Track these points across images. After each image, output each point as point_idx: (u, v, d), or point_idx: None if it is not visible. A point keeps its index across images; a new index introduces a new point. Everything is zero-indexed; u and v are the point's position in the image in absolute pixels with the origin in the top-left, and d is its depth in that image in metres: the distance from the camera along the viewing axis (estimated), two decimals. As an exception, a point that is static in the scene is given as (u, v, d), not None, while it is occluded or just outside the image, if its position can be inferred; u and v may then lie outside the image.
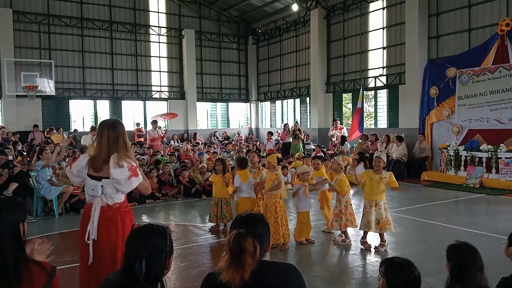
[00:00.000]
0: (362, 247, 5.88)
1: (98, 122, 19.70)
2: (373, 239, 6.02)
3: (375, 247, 5.80)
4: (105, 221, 3.15)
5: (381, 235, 5.86)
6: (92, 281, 3.11)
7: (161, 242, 1.91)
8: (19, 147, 12.29)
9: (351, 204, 6.27)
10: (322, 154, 13.29)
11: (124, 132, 3.29)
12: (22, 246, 2.13)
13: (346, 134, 15.88)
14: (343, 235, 6.20)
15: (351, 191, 6.75)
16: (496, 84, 11.53)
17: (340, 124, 16.54)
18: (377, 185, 5.79)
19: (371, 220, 5.74)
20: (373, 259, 5.43)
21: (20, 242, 2.12)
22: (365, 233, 5.94)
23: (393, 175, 5.94)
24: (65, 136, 15.28)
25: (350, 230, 6.35)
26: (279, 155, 6.44)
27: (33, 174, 8.47)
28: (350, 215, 6.15)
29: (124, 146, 3.20)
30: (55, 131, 14.48)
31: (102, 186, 3.14)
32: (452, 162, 11.65)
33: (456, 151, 11.57)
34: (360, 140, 14.61)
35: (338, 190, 6.25)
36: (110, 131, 3.21)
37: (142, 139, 17.16)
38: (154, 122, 16.18)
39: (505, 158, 10.51)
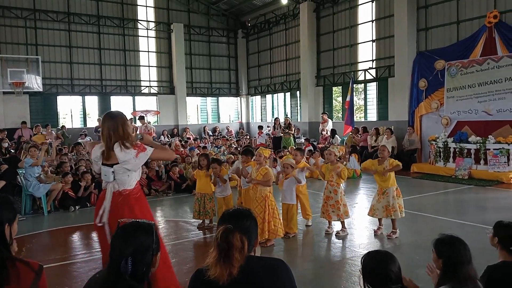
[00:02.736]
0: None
1: (87, 118, 19.53)
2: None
3: (388, 235, 6.00)
4: (115, 207, 3.36)
5: (393, 222, 6.02)
6: None
7: (147, 239, 1.87)
8: (6, 145, 12.12)
9: (344, 195, 6.35)
10: (311, 147, 13.34)
11: (124, 121, 3.44)
12: (6, 245, 2.10)
13: (330, 127, 15.83)
14: (342, 225, 6.31)
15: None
16: (484, 76, 11.61)
17: (327, 117, 16.31)
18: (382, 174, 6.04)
19: (377, 207, 6.08)
20: (363, 252, 5.45)
21: (4, 241, 2.09)
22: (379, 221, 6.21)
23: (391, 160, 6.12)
24: (54, 133, 15.17)
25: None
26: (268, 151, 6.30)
27: (21, 171, 8.37)
28: (344, 206, 6.24)
29: (123, 133, 3.37)
30: (41, 128, 14.29)
31: (113, 172, 3.36)
32: (441, 154, 11.75)
33: (445, 143, 11.65)
34: (350, 133, 14.66)
35: (339, 179, 6.26)
36: (109, 121, 3.38)
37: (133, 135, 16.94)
38: (142, 118, 15.92)
39: (493, 149, 10.62)
